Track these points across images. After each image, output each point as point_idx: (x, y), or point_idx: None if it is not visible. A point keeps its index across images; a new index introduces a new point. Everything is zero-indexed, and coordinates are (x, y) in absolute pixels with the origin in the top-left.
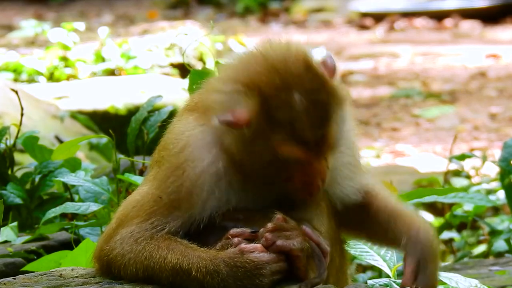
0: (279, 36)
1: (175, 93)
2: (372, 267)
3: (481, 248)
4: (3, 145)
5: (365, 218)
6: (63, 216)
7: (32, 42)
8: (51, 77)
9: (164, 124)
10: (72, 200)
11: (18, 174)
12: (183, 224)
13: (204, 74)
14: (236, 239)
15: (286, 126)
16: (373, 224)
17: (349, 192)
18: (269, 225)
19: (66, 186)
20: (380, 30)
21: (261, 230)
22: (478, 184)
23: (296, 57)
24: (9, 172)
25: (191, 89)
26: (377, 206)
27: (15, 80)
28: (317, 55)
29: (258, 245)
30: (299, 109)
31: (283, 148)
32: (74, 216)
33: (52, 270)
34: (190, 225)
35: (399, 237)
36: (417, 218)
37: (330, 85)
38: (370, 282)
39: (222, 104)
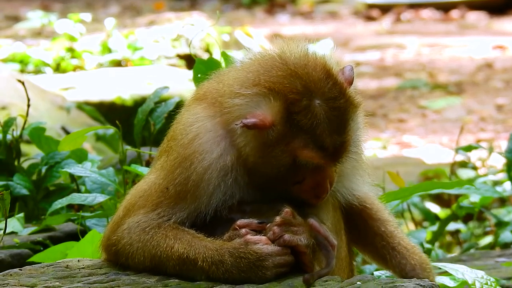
0: (289, 31)
1: (181, 84)
2: None
3: (488, 239)
4: (9, 136)
5: (362, 236)
6: (70, 207)
7: (38, 33)
8: (57, 68)
9: (171, 115)
10: (78, 191)
11: (25, 165)
12: (189, 215)
13: (209, 63)
14: (243, 230)
15: (308, 132)
16: (371, 246)
17: (347, 192)
18: (277, 218)
19: (73, 177)
20: (386, 22)
21: (269, 224)
22: (485, 175)
23: (316, 63)
24: (16, 163)
25: (196, 79)
26: (375, 228)
27: (22, 71)
28: (326, 49)
29: (263, 237)
30: (320, 116)
31: (302, 153)
32: (80, 207)
33: (58, 261)
34: (196, 217)
35: (398, 269)
36: (412, 251)
37: (348, 93)
38: (376, 273)
39: (244, 107)
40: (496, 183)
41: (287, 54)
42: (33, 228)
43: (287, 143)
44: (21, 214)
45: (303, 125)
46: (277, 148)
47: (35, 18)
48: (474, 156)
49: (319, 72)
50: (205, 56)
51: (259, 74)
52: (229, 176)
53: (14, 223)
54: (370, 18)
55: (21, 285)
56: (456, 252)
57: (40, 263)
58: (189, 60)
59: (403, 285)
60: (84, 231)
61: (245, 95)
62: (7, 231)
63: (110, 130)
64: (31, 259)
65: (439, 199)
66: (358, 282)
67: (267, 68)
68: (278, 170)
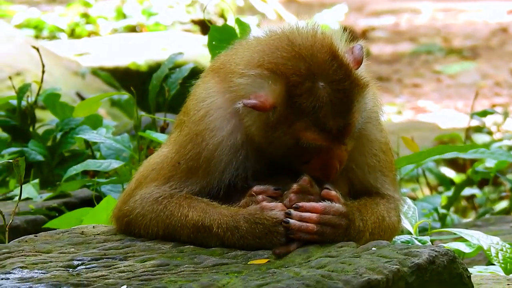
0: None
1: (196, 49)
2: None
3: (503, 204)
4: (24, 102)
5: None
6: (85, 173)
7: None
8: (72, 34)
9: (185, 81)
10: (93, 157)
11: (40, 131)
12: (202, 189)
13: (223, 30)
14: (260, 196)
15: (310, 114)
16: None
17: (361, 178)
18: (295, 186)
19: (88, 143)
20: None
21: (286, 191)
22: (500, 140)
23: (322, 44)
24: (31, 129)
25: (210, 46)
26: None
27: (36, 37)
28: (340, 14)
29: (279, 204)
30: (323, 98)
31: (305, 135)
32: (95, 173)
33: (73, 227)
34: (209, 190)
35: None
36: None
37: (354, 74)
38: None
39: (248, 87)
40: (511, 148)
41: (295, 34)
42: (48, 194)
43: (289, 125)
44: (36, 180)
45: (305, 108)
46: (279, 130)
47: None
48: (489, 121)
49: (325, 53)
50: (220, 21)
51: (264, 54)
52: (240, 153)
53: (29, 189)
54: None
55: (36, 251)
56: (471, 217)
57: (55, 229)
58: (204, 26)
59: (418, 251)
60: (99, 197)
61: (248, 75)
62: (22, 197)
63: (125, 96)
64: (46, 225)
65: (454, 164)
66: (373, 248)
67: (272, 49)
68: (283, 150)
